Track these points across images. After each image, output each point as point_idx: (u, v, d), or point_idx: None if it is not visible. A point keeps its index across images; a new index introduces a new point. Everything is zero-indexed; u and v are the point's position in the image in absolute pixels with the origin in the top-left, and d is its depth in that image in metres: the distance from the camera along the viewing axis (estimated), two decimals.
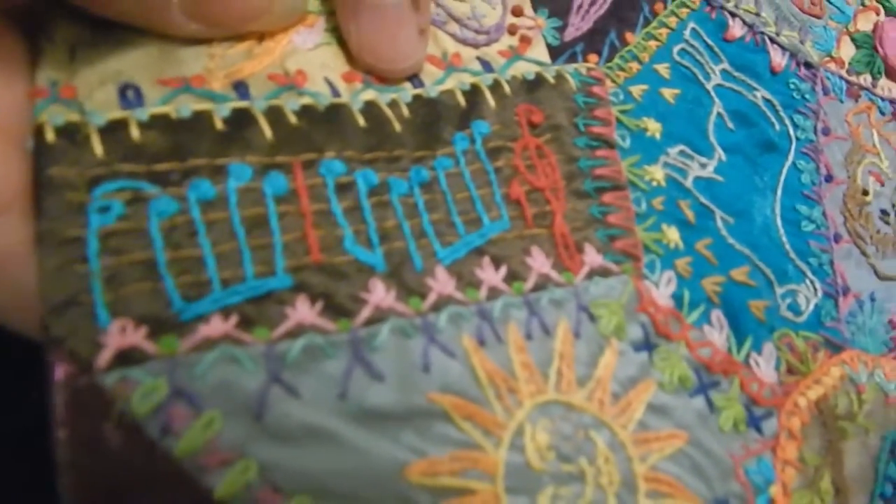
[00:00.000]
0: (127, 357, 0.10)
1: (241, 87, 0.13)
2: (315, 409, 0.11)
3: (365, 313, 0.12)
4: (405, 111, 0.15)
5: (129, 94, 0.12)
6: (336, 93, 0.14)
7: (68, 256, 0.11)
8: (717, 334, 0.16)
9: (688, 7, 0.19)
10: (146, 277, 0.11)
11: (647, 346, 0.15)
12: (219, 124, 0.13)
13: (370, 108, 0.14)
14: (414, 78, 0.15)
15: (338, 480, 0.11)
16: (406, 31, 0.14)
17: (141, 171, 0.12)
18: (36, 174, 0.11)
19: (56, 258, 0.11)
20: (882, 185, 0.21)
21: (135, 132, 0.12)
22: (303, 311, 0.12)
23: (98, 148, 0.12)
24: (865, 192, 0.20)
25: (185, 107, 0.13)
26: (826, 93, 0.21)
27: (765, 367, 0.16)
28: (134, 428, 0.10)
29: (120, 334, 0.10)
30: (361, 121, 0.14)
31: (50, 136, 0.11)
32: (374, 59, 0.14)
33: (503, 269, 0.14)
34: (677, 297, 0.16)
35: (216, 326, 0.11)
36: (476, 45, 0.17)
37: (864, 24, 0.22)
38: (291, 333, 0.12)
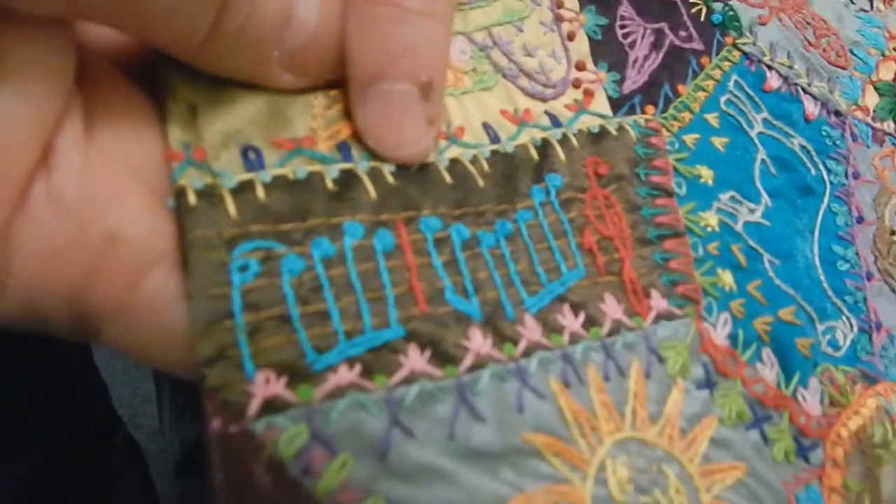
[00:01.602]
0: (271, 405, 0.11)
1: (343, 148, 0.14)
2: (428, 449, 0.12)
3: (468, 361, 0.13)
4: (485, 166, 0.16)
5: (251, 156, 0.13)
6: None
7: (216, 313, 0.12)
8: (769, 371, 0.17)
9: (729, 61, 0.21)
10: (281, 331, 0.12)
11: (708, 384, 0.16)
12: (330, 185, 0.14)
13: (454, 166, 0.16)
14: (491, 133, 0.17)
15: None
16: (411, 118, 0.14)
17: (269, 231, 0.13)
18: (181, 234, 0.12)
19: (205, 314, 0.12)
20: None
21: (260, 193, 0.13)
22: (414, 359, 0.13)
23: (232, 209, 0.13)
24: (893, 232, 0.22)
25: (301, 168, 0.14)
26: (854, 139, 0.22)
27: (811, 400, 0.18)
28: (280, 469, 0.11)
29: (265, 384, 0.11)
30: (448, 178, 0.15)
31: (192, 199, 0.12)
32: (376, 145, 0.14)
33: (581, 316, 0.15)
34: (733, 337, 0.17)
35: (343, 376, 0.12)
36: (544, 99, 0.18)
37: (886, 73, 0.24)
38: (407, 380, 0.13)
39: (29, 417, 0.32)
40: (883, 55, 0.24)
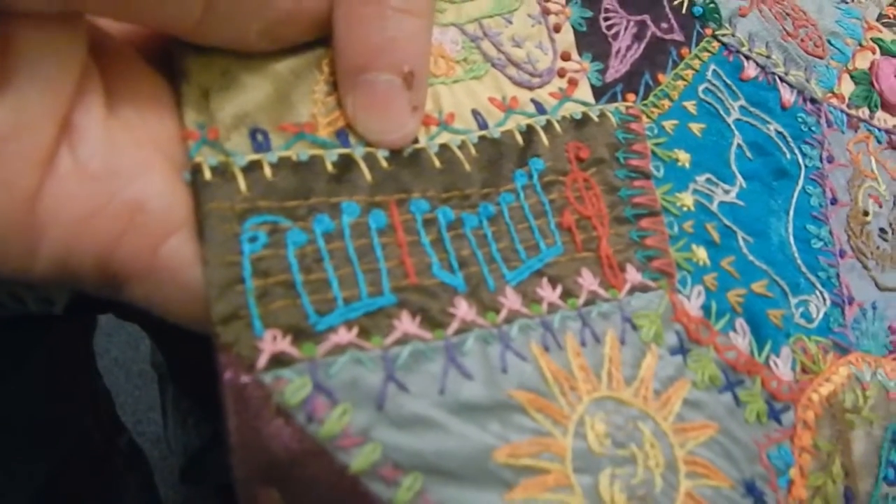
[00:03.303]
0: (278, 360, 0.13)
1: (342, 135, 0.16)
2: (421, 401, 0.14)
3: (454, 325, 0.15)
4: (473, 151, 0.17)
5: (259, 138, 0.15)
6: (415, 137, 0.17)
7: (230, 278, 0.13)
8: (741, 339, 0.18)
9: (708, 51, 0.22)
10: (287, 295, 0.13)
11: (681, 350, 0.17)
12: (329, 167, 0.15)
13: (444, 151, 0.17)
14: (480, 119, 0.18)
15: (442, 460, 0.14)
16: (396, 106, 0.16)
17: (275, 206, 0.14)
18: (197, 207, 0.14)
19: (220, 279, 0.13)
20: (880, 206, 0.23)
21: (268, 172, 0.14)
22: (406, 323, 0.14)
23: (243, 185, 0.14)
24: (866, 213, 0.23)
25: (303, 152, 0.15)
26: (829, 125, 0.23)
27: (783, 367, 0.19)
28: (287, 416, 0.13)
29: (272, 342, 0.13)
30: (437, 163, 0.17)
31: (207, 174, 0.14)
32: (364, 131, 0.16)
33: (559, 288, 0.17)
34: (706, 308, 0.18)
35: (343, 336, 0.14)
36: (531, 88, 0.19)
37: (862, 62, 0.25)
38: (400, 341, 0.14)
39: (37, 427, 0.34)
40: (860, 45, 0.25)
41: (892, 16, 0.29)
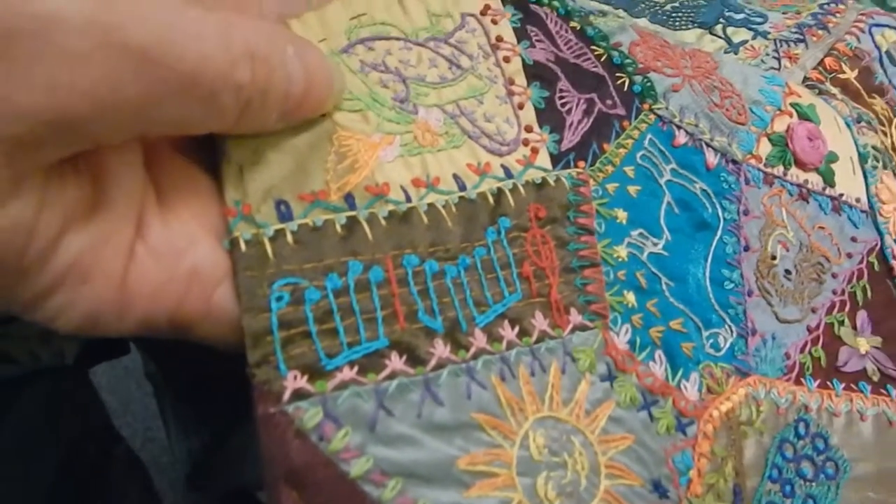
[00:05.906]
0: (298, 394, 0.17)
1: (349, 199, 0.20)
2: (403, 423, 0.18)
3: (433, 363, 0.19)
4: (454, 209, 0.21)
5: (283, 209, 0.19)
6: (408, 198, 0.21)
7: (262, 330, 0.17)
8: (658, 368, 0.23)
9: (646, 123, 0.26)
10: (304, 343, 0.18)
11: (609, 377, 0.22)
12: (339, 230, 0.19)
13: (431, 209, 0.21)
14: (459, 182, 0.22)
15: (417, 468, 0.18)
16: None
17: (296, 269, 0.18)
18: (235, 273, 0.18)
19: (254, 331, 0.17)
20: (787, 250, 0.28)
21: (290, 239, 0.18)
22: (395, 362, 0.19)
23: (270, 253, 0.18)
24: (773, 257, 0.28)
25: (318, 217, 0.19)
26: (747, 182, 0.28)
27: (691, 389, 0.24)
28: (304, 436, 0.17)
29: (293, 380, 0.17)
30: (426, 220, 0.21)
31: (243, 247, 0.18)
32: None
33: (517, 328, 0.21)
34: (631, 343, 0.23)
35: (346, 374, 0.18)
36: (500, 155, 0.23)
37: (780, 126, 0.30)
38: (389, 377, 0.18)
39: (32, 447, 0.35)
40: (779, 110, 0.30)
41: (814, 79, 0.34)
